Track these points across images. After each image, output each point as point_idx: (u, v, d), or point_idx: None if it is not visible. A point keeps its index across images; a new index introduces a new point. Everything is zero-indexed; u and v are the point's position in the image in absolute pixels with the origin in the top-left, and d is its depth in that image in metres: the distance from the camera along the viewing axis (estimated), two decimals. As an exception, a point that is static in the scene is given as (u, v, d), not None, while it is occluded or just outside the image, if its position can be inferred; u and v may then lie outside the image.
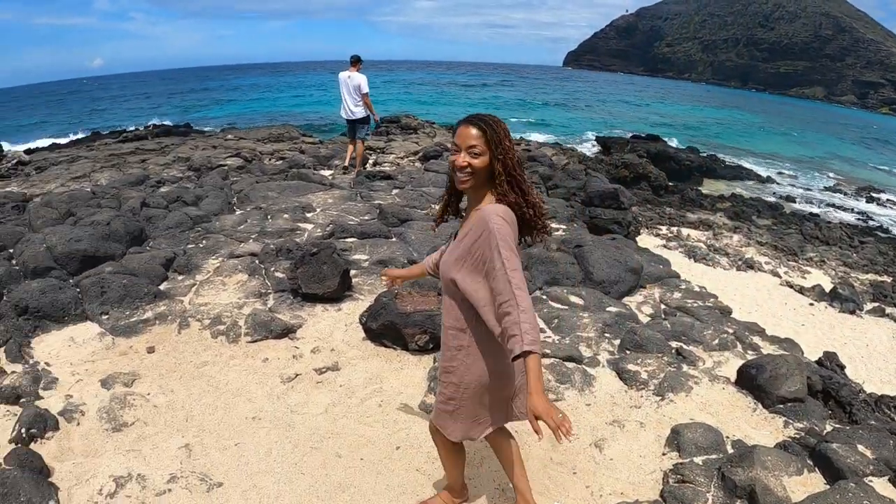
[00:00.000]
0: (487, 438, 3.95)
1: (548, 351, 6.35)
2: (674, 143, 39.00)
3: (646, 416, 5.64)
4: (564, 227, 11.57)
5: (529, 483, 4.10)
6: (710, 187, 27.81)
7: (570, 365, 6.23)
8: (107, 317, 7.69)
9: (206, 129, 35.70)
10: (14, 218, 11.83)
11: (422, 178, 15.00)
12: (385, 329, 6.62)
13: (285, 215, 11.26)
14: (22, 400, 6.02)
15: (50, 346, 7.20)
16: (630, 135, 39.71)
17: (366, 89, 14.64)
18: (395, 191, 13.76)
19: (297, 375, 6.27)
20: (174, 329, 7.41)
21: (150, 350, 6.95)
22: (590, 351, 6.74)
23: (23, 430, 5.38)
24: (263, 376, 6.32)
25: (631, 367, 6.27)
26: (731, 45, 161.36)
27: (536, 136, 39.09)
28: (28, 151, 26.78)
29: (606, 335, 7.12)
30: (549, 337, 7.09)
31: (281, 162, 18.20)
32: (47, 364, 6.76)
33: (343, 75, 14.85)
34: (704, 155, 34.52)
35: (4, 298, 7.94)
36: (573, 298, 8.11)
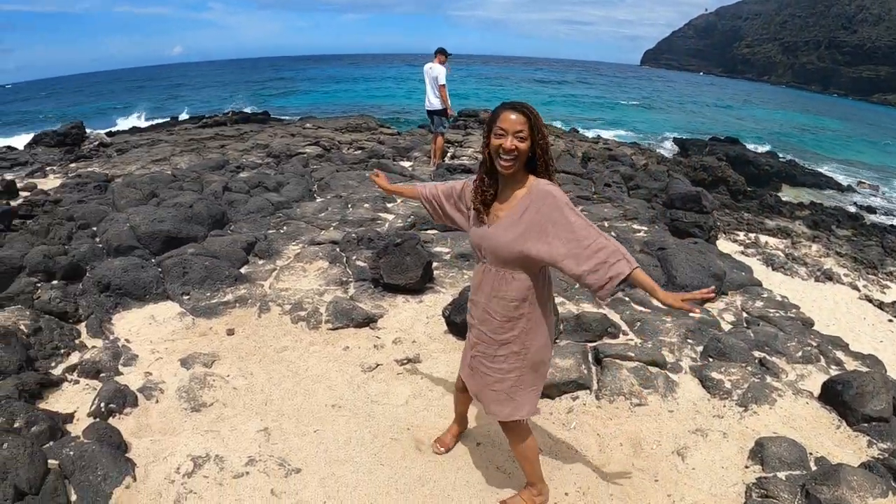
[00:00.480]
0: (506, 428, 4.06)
1: (631, 354, 6.11)
2: (752, 146, 37.99)
3: (729, 427, 5.36)
4: (646, 228, 11.27)
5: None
6: (788, 194, 26.88)
7: (654, 369, 5.98)
8: (188, 297, 7.67)
9: (283, 117, 35.90)
10: (96, 197, 11.97)
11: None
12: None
13: (366, 205, 11.19)
14: (102, 375, 6.02)
15: (130, 324, 7.21)
16: (709, 137, 38.90)
17: (442, 81, 14.52)
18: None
19: (377, 365, 6.12)
20: (254, 313, 7.34)
21: (230, 332, 6.89)
22: (672, 356, 6.46)
23: (102, 405, 5.35)
24: (344, 364, 6.19)
25: (714, 375, 5.98)
26: (812, 48, 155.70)
27: (614, 136, 38.46)
28: (109, 134, 27.05)
29: (689, 341, 6.84)
30: (632, 339, 6.83)
31: (360, 152, 18.17)
32: (127, 341, 6.75)
33: (427, 66, 14.84)
34: (784, 160, 33.38)
35: (87, 275, 7.99)
36: (656, 302, 7.85)
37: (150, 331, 7.06)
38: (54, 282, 7.80)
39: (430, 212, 4.19)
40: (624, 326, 7.12)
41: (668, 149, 35.53)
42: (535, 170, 3.51)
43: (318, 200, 11.90)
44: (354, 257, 8.55)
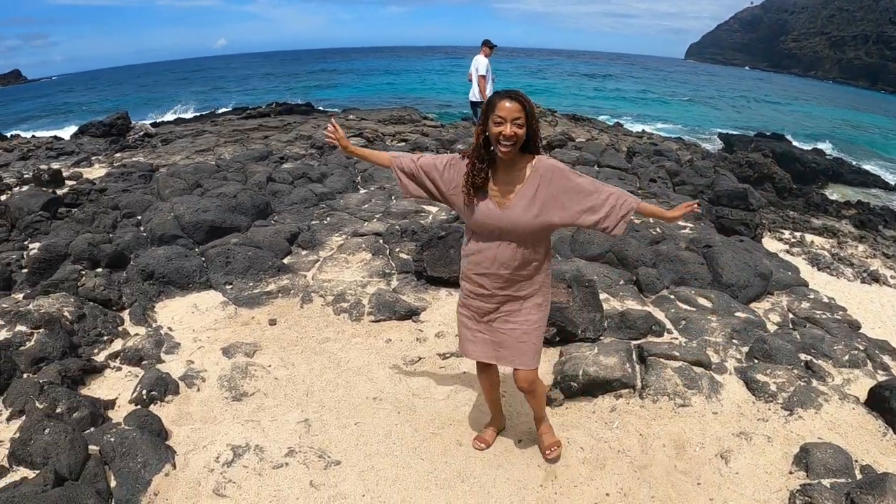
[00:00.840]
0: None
1: (676, 353, 5.96)
2: (798, 143, 37.23)
3: (773, 431, 5.16)
4: (691, 225, 11.04)
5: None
6: (835, 192, 26.21)
7: (698, 370, 5.80)
8: (230, 287, 7.67)
9: (327, 109, 35.99)
10: (141, 186, 12.08)
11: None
12: (513, 318, 6.36)
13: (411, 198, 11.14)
14: (144, 362, 6.02)
15: (173, 312, 7.22)
16: (754, 133, 38.31)
17: (482, 72, 14.47)
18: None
19: (419, 359, 6.04)
20: (297, 303, 7.30)
21: (272, 322, 6.86)
22: (717, 356, 6.28)
23: (144, 392, 5.34)
24: (386, 357, 6.12)
25: (759, 377, 5.79)
26: (860, 43, 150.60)
27: (659, 130, 37.99)
28: (154, 125, 27.58)
29: (734, 341, 6.64)
30: (676, 338, 6.65)
31: (403, 144, 18.16)
32: (170, 329, 6.75)
33: (474, 59, 14.77)
34: (830, 157, 32.53)
35: (131, 263, 8.02)
36: (701, 300, 7.66)
37: (192, 319, 7.06)
38: (99, 269, 7.85)
39: (403, 184, 4.30)
40: (669, 325, 6.96)
41: (713, 144, 35.03)
42: (529, 150, 3.81)
43: (361, 192, 11.86)
44: (398, 249, 8.46)
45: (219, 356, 6.12)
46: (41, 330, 6.12)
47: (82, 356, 6.12)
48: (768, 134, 36.90)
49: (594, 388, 5.48)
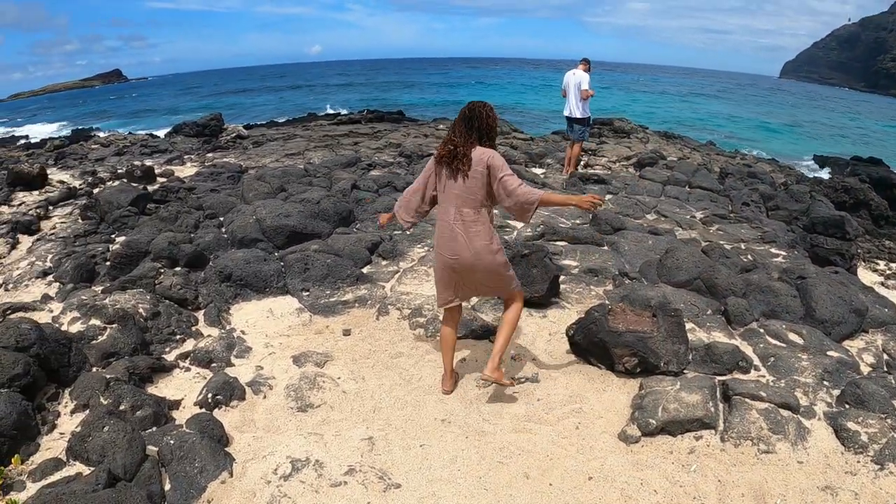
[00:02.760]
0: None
1: (763, 394, 5.56)
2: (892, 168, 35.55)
3: (861, 487, 4.69)
4: (784, 253, 10.53)
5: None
6: None
7: (785, 413, 5.39)
8: (307, 293, 7.56)
9: (417, 117, 36.00)
10: (229, 187, 12.12)
11: (636, 186, 14.14)
12: (593, 346, 6.02)
13: (494, 210, 10.91)
14: (213, 365, 5.94)
15: (248, 315, 7.15)
16: (850, 157, 36.88)
17: (586, 86, 14.29)
18: (608, 196, 13.06)
19: (493, 382, 5.82)
20: (372, 314, 7.15)
21: (346, 333, 6.70)
22: (806, 399, 5.83)
23: (209, 395, 5.25)
24: (459, 377, 5.90)
25: (850, 424, 5.32)
26: None
27: (752, 150, 36.78)
28: (246, 127, 27.69)
29: (825, 383, 6.17)
30: (763, 376, 6.23)
31: None
32: (243, 332, 6.68)
33: (569, 74, 14.57)
34: None
35: (210, 264, 8.00)
36: (792, 336, 7.21)
37: (266, 324, 6.98)
38: (177, 268, 7.85)
39: None
40: (756, 361, 6.54)
41: (807, 167, 33.86)
42: None
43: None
44: (481, 265, 8.26)
45: (289, 364, 5.99)
46: (114, 325, 6.10)
47: (153, 354, 6.08)
48: (865, 158, 35.43)
49: (674, 426, 5.15)
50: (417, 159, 16.25)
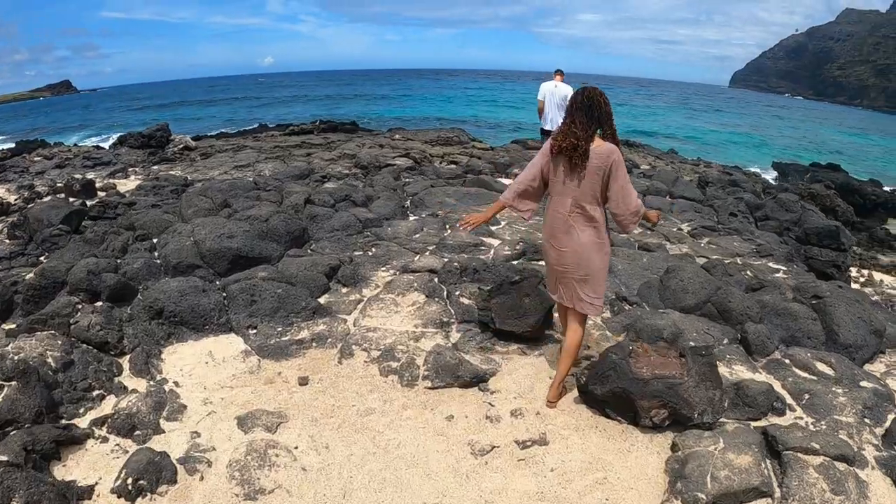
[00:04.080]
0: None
1: (816, 446, 4.50)
2: (852, 173, 35.51)
3: None
4: (784, 267, 9.61)
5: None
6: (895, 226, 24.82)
7: (842, 467, 4.36)
8: (255, 331, 6.38)
9: (369, 127, 35.10)
10: (172, 202, 11.05)
11: None
12: (613, 397, 4.90)
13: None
14: (137, 433, 4.74)
15: (183, 361, 5.96)
16: (809, 163, 36.75)
17: None
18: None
19: (492, 448, 4.61)
20: (334, 356, 5.99)
21: (303, 382, 5.52)
22: (853, 442, 4.87)
23: (129, 480, 4.06)
24: (448, 442, 4.71)
25: None
26: None
27: (713, 160, 36.26)
28: (195, 138, 27.21)
29: (867, 421, 5.23)
30: (801, 418, 5.28)
31: (454, 166, 17.05)
32: (176, 384, 5.51)
33: (549, 86, 13.30)
34: (888, 189, 30.99)
35: (138, 297, 6.74)
36: (821, 366, 6.23)
37: (205, 372, 5.79)
38: (98, 303, 6.56)
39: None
40: (789, 398, 5.56)
41: (767, 174, 33.55)
42: None
43: (411, 219, 10.55)
44: (458, 293, 7.07)
45: (232, 428, 4.80)
46: (13, 383, 4.81)
47: (62, 418, 4.84)
48: (823, 164, 35.39)
49: (728, 500, 4.10)
50: (375, 170, 15.42)
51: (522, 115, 54.98)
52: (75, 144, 27.12)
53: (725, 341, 6.42)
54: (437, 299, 7.06)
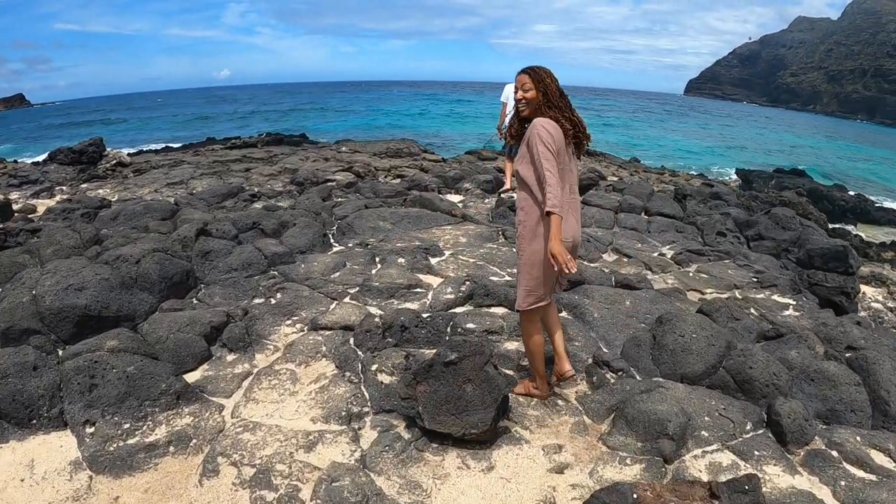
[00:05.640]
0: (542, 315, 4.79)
1: None
2: (815, 178, 34.64)
3: None
4: (793, 301, 7.85)
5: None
6: (863, 231, 23.71)
7: None
8: (91, 430, 4.51)
9: (320, 140, 33.44)
10: (83, 226, 9.30)
11: (582, 216, 10.96)
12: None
13: (401, 259, 7.91)
14: None
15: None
16: (773, 168, 35.69)
17: None
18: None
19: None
20: (194, 471, 4.17)
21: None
22: None
23: None
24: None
25: None
26: (857, 76, 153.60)
27: (675, 168, 34.84)
28: (136, 154, 26.34)
29: None
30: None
31: (398, 181, 15.47)
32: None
33: (511, 88, 11.74)
34: (853, 194, 30.06)
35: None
36: (878, 457, 4.42)
37: (16, 497, 3.95)
38: None
39: None
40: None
41: (730, 181, 32.39)
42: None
43: (333, 250, 8.67)
44: (374, 367, 5.16)
45: None
46: None
47: None
48: (787, 170, 34.43)
49: None
50: (310, 186, 13.84)
51: (479, 126, 53.57)
52: (15, 161, 25.14)
53: (749, 426, 4.65)
54: (347, 374, 5.17)
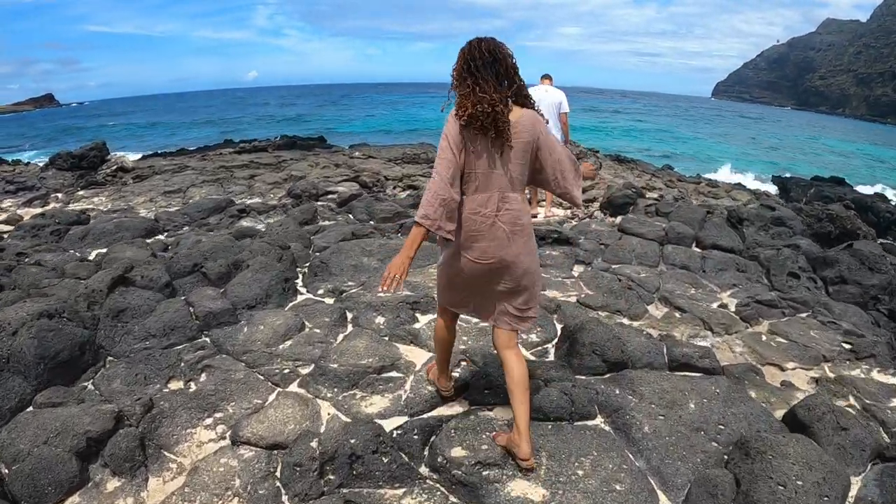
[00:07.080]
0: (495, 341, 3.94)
1: None
2: (857, 187, 32.35)
3: None
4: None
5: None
6: None
7: None
8: None
9: (340, 143, 31.98)
10: (54, 246, 8.94)
11: (618, 247, 9.03)
12: None
13: (379, 318, 6.00)
14: None
15: None
16: (811, 177, 33.47)
17: (567, 108, 11.02)
18: (576, 269, 8.27)
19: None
20: None
21: None
22: None
23: None
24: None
25: None
26: (887, 79, 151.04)
27: (716, 177, 32.54)
28: (146, 157, 26.05)
29: None
30: None
31: (406, 194, 14.16)
32: None
33: (538, 91, 10.63)
34: (895, 203, 27.69)
35: None
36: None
37: None
38: None
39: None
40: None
41: (765, 189, 30.32)
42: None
43: (296, 301, 6.74)
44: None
45: None
46: None
47: None
48: (827, 178, 32.15)
49: None
50: (307, 199, 12.60)
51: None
52: (29, 163, 24.73)
53: None
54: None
